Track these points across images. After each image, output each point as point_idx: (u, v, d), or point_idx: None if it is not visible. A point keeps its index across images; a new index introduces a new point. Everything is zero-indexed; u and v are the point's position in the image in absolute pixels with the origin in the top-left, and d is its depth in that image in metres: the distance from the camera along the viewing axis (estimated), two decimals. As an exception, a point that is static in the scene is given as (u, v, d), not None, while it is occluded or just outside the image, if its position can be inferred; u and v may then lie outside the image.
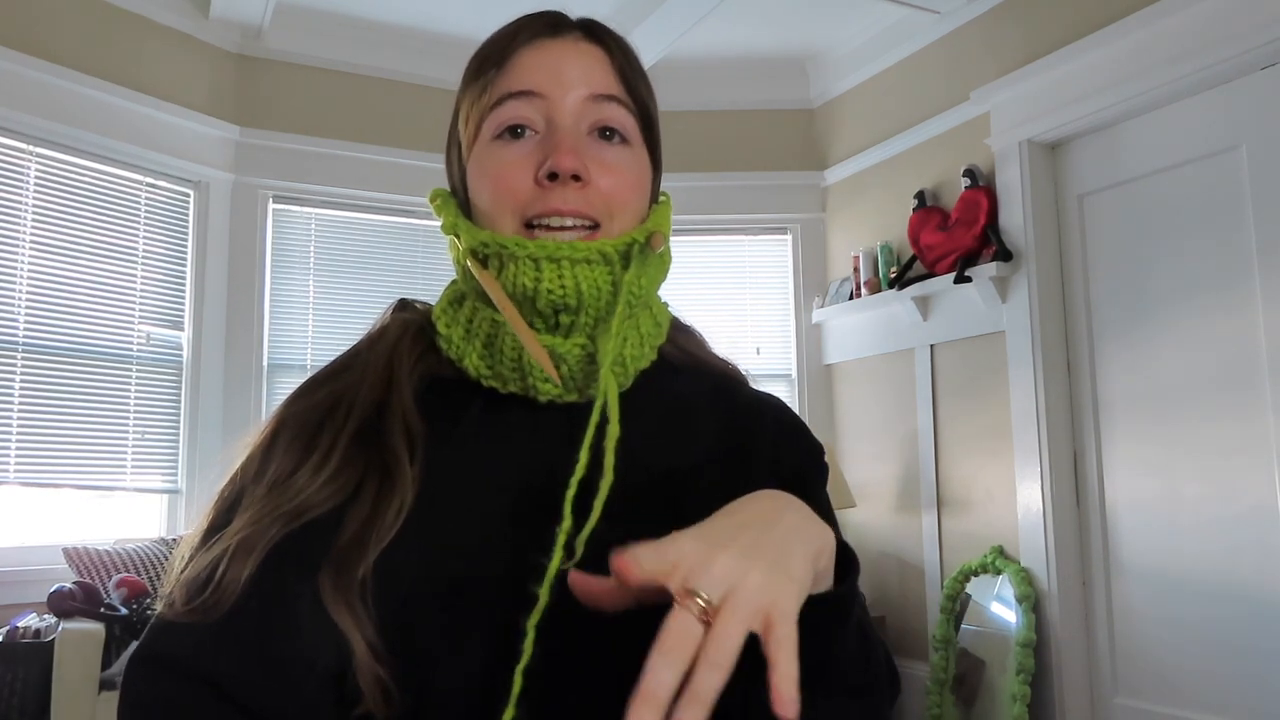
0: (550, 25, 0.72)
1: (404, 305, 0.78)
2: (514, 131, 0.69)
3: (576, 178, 0.67)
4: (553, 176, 0.66)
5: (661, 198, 0.76)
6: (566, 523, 0.61)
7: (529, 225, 0.68)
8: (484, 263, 0.68)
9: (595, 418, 0.64)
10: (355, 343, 0.75)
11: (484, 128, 0.70)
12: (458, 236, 0.70)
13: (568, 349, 0.67)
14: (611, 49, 0.73)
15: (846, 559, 0.60)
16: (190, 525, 0.72)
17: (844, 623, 0.59)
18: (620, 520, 0.63)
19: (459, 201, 0.74)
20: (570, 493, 0.61)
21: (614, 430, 0.64)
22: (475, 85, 0.72)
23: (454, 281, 0.75)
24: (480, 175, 0.70)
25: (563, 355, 0.67)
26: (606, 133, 0.70)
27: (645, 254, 0.69)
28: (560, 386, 0.68)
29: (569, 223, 0.67)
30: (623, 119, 0.71)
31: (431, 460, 0.66)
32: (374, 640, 0.59)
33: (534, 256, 0.65)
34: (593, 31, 0.73)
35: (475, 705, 0.58)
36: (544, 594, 0.59)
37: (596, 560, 0.60)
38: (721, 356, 0.81)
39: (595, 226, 0.68)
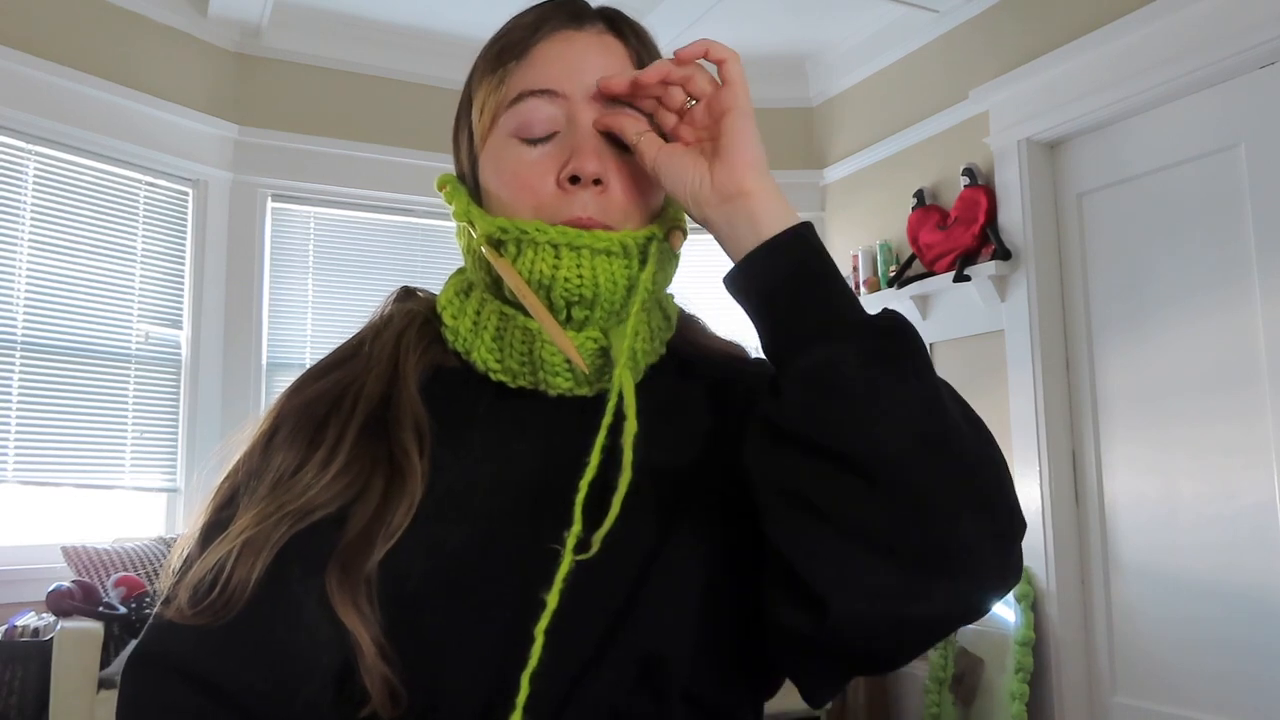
0: (572, 16, 0.70)
1: (407, 293, 0.77)
2: (533, 129, 0.67)
3: (597, 181, 0.65)
4: (574, 180, 0.65)
5: None
6: (576, 526, 0.59)
7: None
8: (499, 249, 0.66)
9: (608, 419, 0.62)
10: (357, 332, 0.74)
11: (500, 121, 0.69)
12: (470, 224, 0.68)
13: (580, 342, 0.66)
14: (631, 42, 0.71)
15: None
16: (189, 524, 0.69)
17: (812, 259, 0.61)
18: (629, 519, 0.61)
19: (469, 189, 0.72)
20: (580, 495, 0.60)
21: (631, 427, 0.61)
22: (493, 76, 0.70)
23: (460, 271, 0.74)
24: (497, 171, 0.68)
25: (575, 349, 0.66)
26: None
27: (664, 251, 0.68)
28: (573, 380, 0.67)
29: None
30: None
31: (440, 455, 0.65)
32: (381, 641, 0.58)
33: (554, 243, 0.64)
34: (614, 22, 0.72)
35: (484, 708, 0.57)
36: (553, 599, 0.57)
37: (612, 560, 0.60)
38: (724, 338, 0.80)
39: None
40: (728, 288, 0.63)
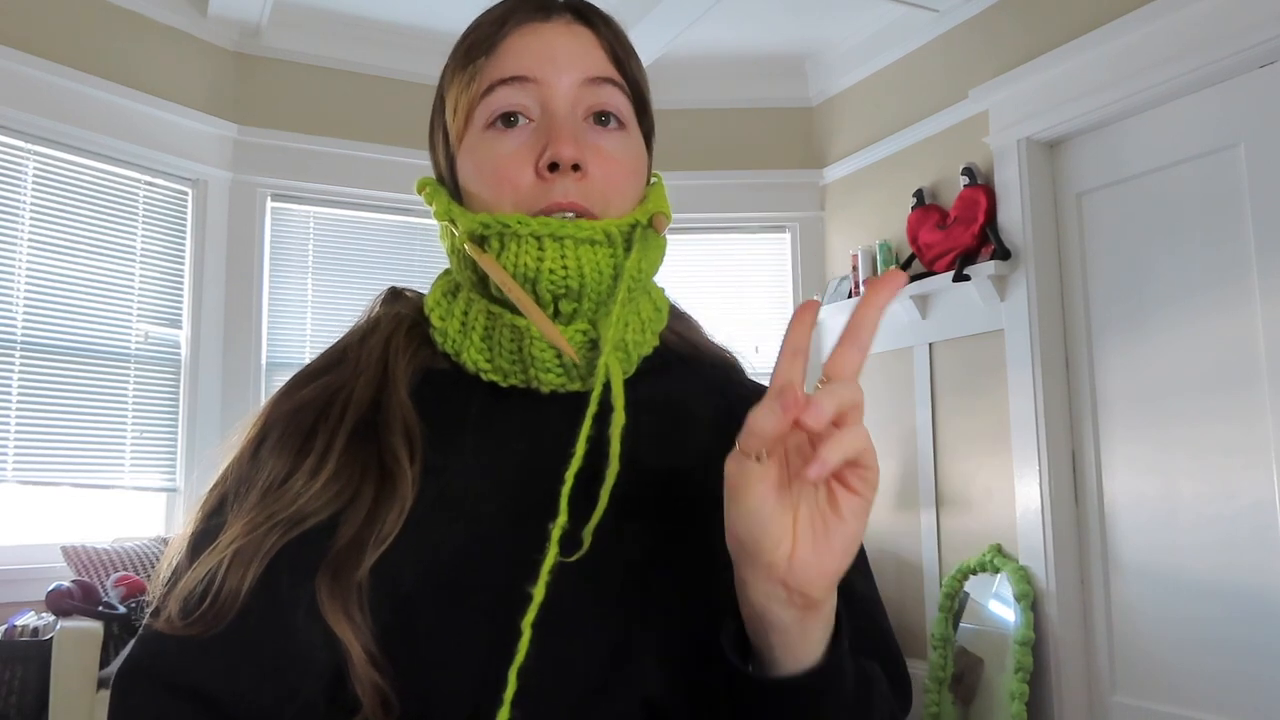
0: (539, 8, 0.70)
1: (395, 295, 0.76)
2: (507, 119, 0.67)
3: (576, 167, 0.65)
4: (553, 167, 0.65)
5: (653, 179, 0.74)
6: (562, 518, 0.58)
7: None
8: (482, 245, 0.65)
9: (593, 407, 0.61)
10: (342, 336, 0.73)
11: (474, 116, 0.68)
12: (453, 223, 0.68)
13: (569, 335, 0.65)
14: (602, 30, 0.71)
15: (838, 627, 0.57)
16: (177, 532, 0.69)
17: (831, 695, 0.56)
18: (621, 518, 0.61)
19: (449, 189, 0.72)
20: (566, 487, 0.59)
21: (619, 418, 0.60)
22: (464, 73, 0.69)
23: (446, 272, 0.73)
24: (475, 167, 0.68)
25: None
26: (602, 117, 0.68)
27: (647, 236, 0.68)
28: (565, 375, 0.66)
29: (568, 215, 0.65)
30: (618, 102, 0.69)
31: (432, 459, 0.64)
32: (372, 648, 0.57)
33: (537, 234, 0.63)
34: (582, 13, 0.71)
35: (476, 711, 0.57)
36: (539, 592, 0.57)
37: (601, 553, 0.59)
38: (719, 345, 0.79)
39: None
40: (727, 646, 0.57)
